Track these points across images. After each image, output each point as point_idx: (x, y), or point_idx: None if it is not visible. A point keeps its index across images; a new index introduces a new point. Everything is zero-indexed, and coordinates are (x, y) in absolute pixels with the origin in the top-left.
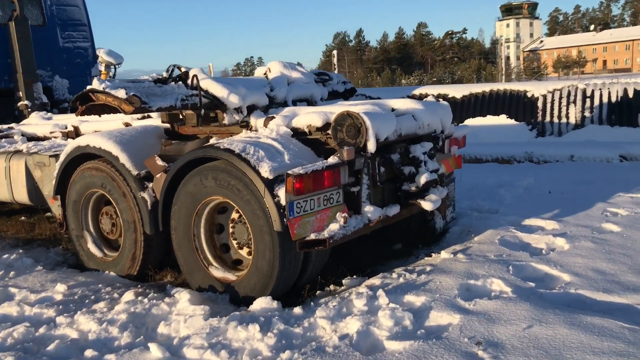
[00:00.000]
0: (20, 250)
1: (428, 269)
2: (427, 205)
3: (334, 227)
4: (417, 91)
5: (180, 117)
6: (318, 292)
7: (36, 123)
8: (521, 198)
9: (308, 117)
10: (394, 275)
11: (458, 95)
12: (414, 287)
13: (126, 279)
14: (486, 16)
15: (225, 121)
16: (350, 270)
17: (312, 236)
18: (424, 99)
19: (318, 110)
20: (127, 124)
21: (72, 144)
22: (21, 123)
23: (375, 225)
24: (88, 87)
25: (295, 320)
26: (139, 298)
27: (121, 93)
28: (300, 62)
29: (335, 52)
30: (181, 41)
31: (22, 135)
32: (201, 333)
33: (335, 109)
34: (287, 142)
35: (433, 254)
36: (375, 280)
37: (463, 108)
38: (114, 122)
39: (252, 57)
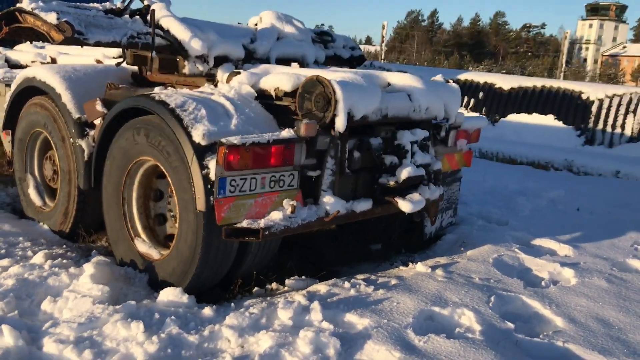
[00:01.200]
0: None
1: (393, 282)
2: (404, 205)
3: (275, 216)
4: (462, 76)
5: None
6: (256, 289)
7: (22, 50)
8: (541, 212)
9: (276, 78)
10: (347, 284)
11: (505, 87)
12: (363, 304)
13: (57, 235)
14: (569, 14)
15: (186, 70)
16: (306, 268)
17: (245, 223)
18: (431, 79)
19: (291, 72)
20: (98, 61)
21: (21, 74)
22: (13, 48)
23: (332, 221)
24: (17, 5)
25: (196, 325)
26: (48, 262)
27: (52, 17)
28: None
29: (385, 22)
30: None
31: (6, 61)
32: (75, 321)
33: (312, 73)
34: (244, 104)
35: (410, 264)
36: (322, 287)
37: (509, 101)
38: (90, 58)
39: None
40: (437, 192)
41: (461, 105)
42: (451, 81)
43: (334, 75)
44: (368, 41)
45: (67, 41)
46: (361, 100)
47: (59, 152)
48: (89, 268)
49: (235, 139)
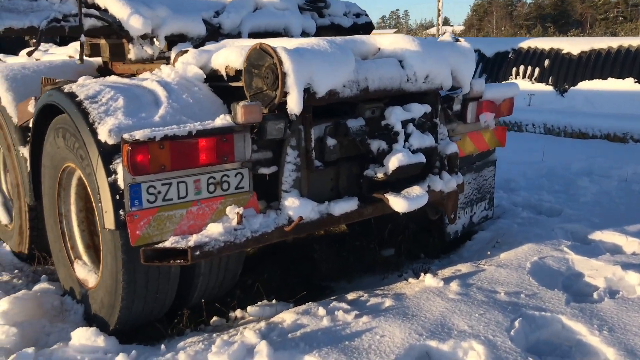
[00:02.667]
0: None
1: (388, 303)
2: (397, 203)
3: (214, 229)
4: (525, 43)
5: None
6: (214, 319)
7: None
8: (609, 195)
9: (224, 54)
10: (321, 310)
11: (575, 51)
12: (334, 340)
13: (17, 257)
14: None
15: (131, 55)
16: (293, 283)
17: (169, 242)
18: (438, 39)
19: (244, 44)
20: (71, 57)
21: None
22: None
23: (297, 230)
24: None
25: None
26: None
27: None
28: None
29: None
30: None
31: None
32: None
33: (270, 43)
34: (183, 89)
35: (422, 275)
36: (289, 316)
37: (579, 67)
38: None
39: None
40: (453, 181)
41: (516, 75)
42: (462, 40)
43: (288, 43)
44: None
45: None
46: (324, 71)
47: (7, 162)
48: (2, 304)
49: (140, 133)
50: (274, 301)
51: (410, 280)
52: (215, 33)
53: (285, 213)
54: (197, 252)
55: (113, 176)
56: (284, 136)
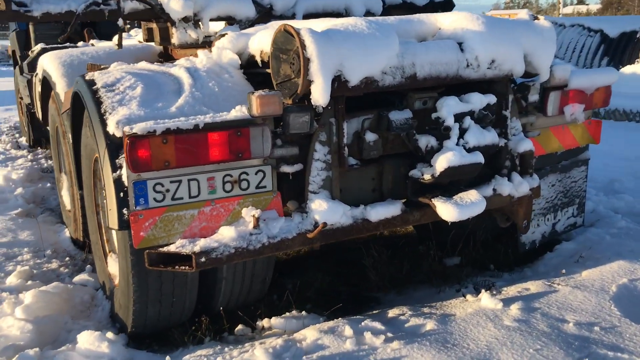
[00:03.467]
0: None
1: (429, 326)
2: (445, 210)
3: (225, 233)
4: None
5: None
6: (240, 327)
7: None
8: None
9: (260, 37)
10: (347, 330)
11: None
12: None
13: (74, 244)
14: None
15: (174, 39)
16: (337, 291)
17: (174, 246)
18: (512, 17)
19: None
20: (140, 42)
21: (39, 63)
22: None
23: (322, 237)
24: None
25: None
26: (19, 281)
27: None
28: None
29: None
30: None
31: None
32: None
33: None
34: (212, 76)
35: (483, 291)
36: (311, 334)
37: None
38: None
39: None
40: (526, 185)
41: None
42: (541, 18)
43: (321, 24)
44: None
45: (4, 16)
46: (357, 55)
47: (62, 149)
48: (27, 297)
49: (139, 126)
50: (303, 312)
51: (468, 297)
52: (266, 14)
53: (311, 217)
54: (203, 259)
55: (118, 172)
56: (310, 130)
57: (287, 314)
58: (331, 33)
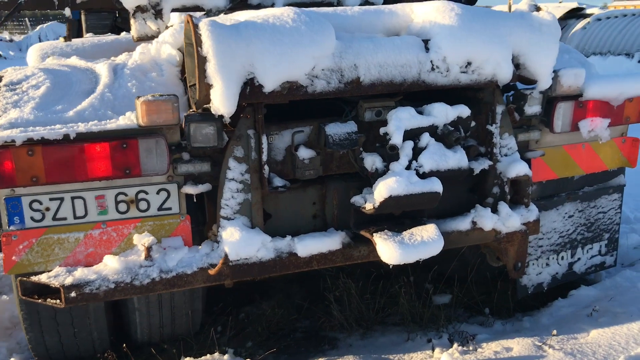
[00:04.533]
0: None
1: None
2: (385, 250)
3: (109, 264)
4: None
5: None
6: None
7: None
8: None
9: None
10: None
11: None
12: None
13: None
14: None
15: (132, 31)
16: (286, 330)
17: (46, 276)
18: (513, 8)
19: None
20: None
21: None
22: None
23: (229, 276)
24: None
25: None
26: None
27: None
28: None
29: None
30: None
31: None
32: None
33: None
34: (138, 74)
35: (456, 346)
36: None
37: None
38: None
39: None
40: (516, 218)
41: None
42: (544, 8)
43: (246, 16)
44: None
45: None
46: (272, 54)
47: None
48: None
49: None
50: (225, 357)
51: (436, 352)
52: (242, 3)
53: (221, 248)
54: (73, 294)
55: None
56: (218, 144)
57: (216, 354)
58: (242, 27)
